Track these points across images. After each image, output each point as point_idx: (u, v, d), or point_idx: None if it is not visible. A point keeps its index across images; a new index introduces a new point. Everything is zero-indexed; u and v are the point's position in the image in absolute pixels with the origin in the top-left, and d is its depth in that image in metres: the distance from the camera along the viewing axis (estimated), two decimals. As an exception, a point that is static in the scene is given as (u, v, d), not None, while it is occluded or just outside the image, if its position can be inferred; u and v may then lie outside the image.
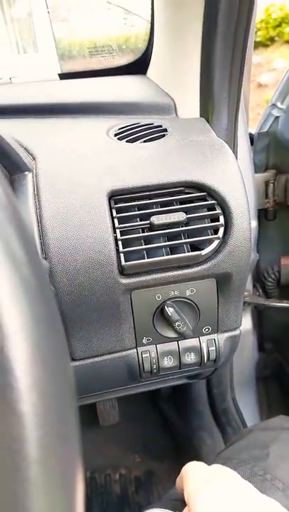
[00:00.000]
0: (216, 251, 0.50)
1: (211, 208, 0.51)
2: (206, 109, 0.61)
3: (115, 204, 0.49)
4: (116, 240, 0.47)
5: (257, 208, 0.81)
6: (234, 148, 0.64)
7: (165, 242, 0.49)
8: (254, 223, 0.79)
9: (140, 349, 0.54)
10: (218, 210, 0.50)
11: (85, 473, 1.02)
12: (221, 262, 0.50)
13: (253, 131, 0.85)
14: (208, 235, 0.50)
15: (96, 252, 0.46)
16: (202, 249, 0.49)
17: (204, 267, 0.50)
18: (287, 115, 0.79)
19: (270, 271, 0.91)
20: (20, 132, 0.56)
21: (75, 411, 0.21)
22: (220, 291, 0.53)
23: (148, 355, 0.54)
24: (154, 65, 0.77)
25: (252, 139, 0.83)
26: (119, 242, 0.47)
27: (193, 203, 0.51)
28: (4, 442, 0.16)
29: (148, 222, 0.48)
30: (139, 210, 0.50)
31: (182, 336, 0.54)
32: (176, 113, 0.66)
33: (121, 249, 0.47)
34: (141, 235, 0.49)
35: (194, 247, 0.50)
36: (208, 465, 0.43)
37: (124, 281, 0.48)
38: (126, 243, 0.48)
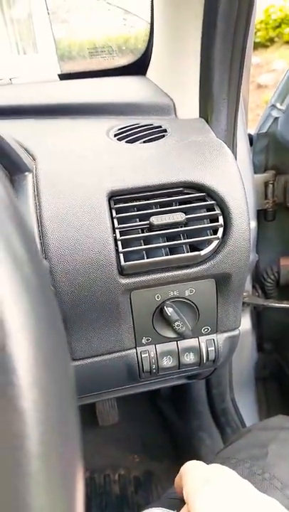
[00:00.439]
0: (215, 251, 0.50)
1: (210, 208, 0.51)
2: (206, 110, 0.61)
3: (115, 204, 0.49)
4: (116, 240, 0.47)
5: (256, 208, 0.81)
6: (233, 148, 0.64)
7: (164, 242, 0.50)
8: (253, 224, 0.79)
9: (139, 349, 0.54)
10: (218, 211, 0.50)
11: (84, 473, 1.01)
12: (220, 262, 0.50)
13: (253, 131, 0.85)
14: (208, 236, 0.50)
15: (96, 252, 0.47)
16: (201, 250, 0.49)
17: (203, 267, 0.50)
18: (287, 116, 0.79)
19: (269, 271, 0.91)
20: (20, 133, 0.57)
21: (75, 409, 0.21)
22: (219, 291, 0.54)
23: (147, 355, 0.54)
24: (153, 65, 0.77)
25: (251, 139, 0.83)
26: (119, 243, 0.47)
27: (192, 203, 0.51)
28: (5, 439, 0.16)
29: (147, 222, 0.49)
30: (138, 211, 0.50)
31: (181, 336, 0.54)
32: (175, 113, 0.66)
33: (120, 249, 0.47)
34: (140, 235, 0.49)
35: (193, 247, 0.50)
36: (208, 464, 0.43)
37: (124, 281, 0.48)
38: (125, 243, 0.48)
